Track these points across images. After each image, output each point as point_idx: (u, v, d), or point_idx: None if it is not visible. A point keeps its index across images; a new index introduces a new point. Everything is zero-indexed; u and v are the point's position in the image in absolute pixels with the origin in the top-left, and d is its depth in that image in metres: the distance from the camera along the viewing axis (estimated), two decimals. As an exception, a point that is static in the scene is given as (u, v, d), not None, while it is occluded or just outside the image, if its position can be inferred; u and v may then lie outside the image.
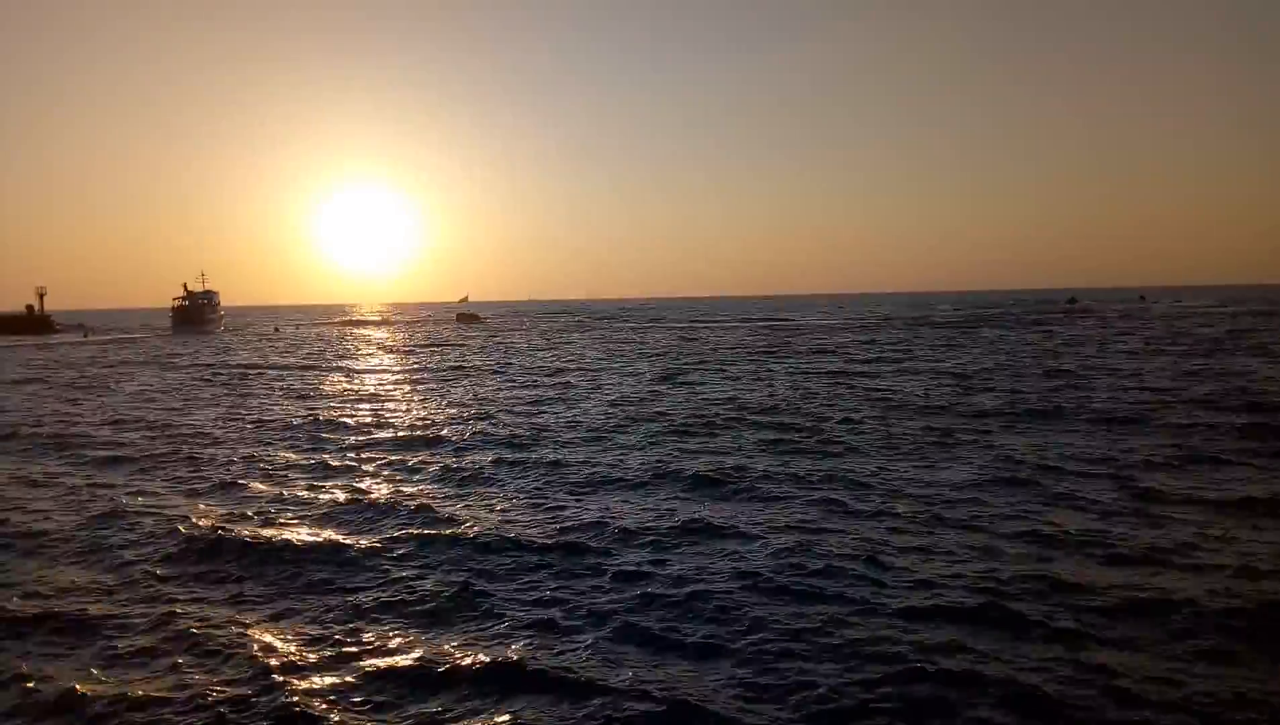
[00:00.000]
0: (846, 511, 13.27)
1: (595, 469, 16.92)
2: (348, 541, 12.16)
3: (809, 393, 28.90)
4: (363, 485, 16.01)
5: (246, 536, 12.36)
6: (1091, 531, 11.78)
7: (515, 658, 8.14)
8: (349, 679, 7.92)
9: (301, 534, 12.62)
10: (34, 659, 8.52)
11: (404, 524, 13.14)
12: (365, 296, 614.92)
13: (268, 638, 8.85)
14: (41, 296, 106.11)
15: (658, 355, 50.19)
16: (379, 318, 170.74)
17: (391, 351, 63.03)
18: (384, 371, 44.66)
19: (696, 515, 12.98)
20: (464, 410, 26.90)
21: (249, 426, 24.13)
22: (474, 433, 21.86)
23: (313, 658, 8.36)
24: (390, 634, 8.92)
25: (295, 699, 7.43)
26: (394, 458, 18.80)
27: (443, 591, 10.03)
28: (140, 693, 7.64)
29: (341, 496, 14.98)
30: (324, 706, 7.36)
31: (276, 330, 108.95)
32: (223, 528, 12.81)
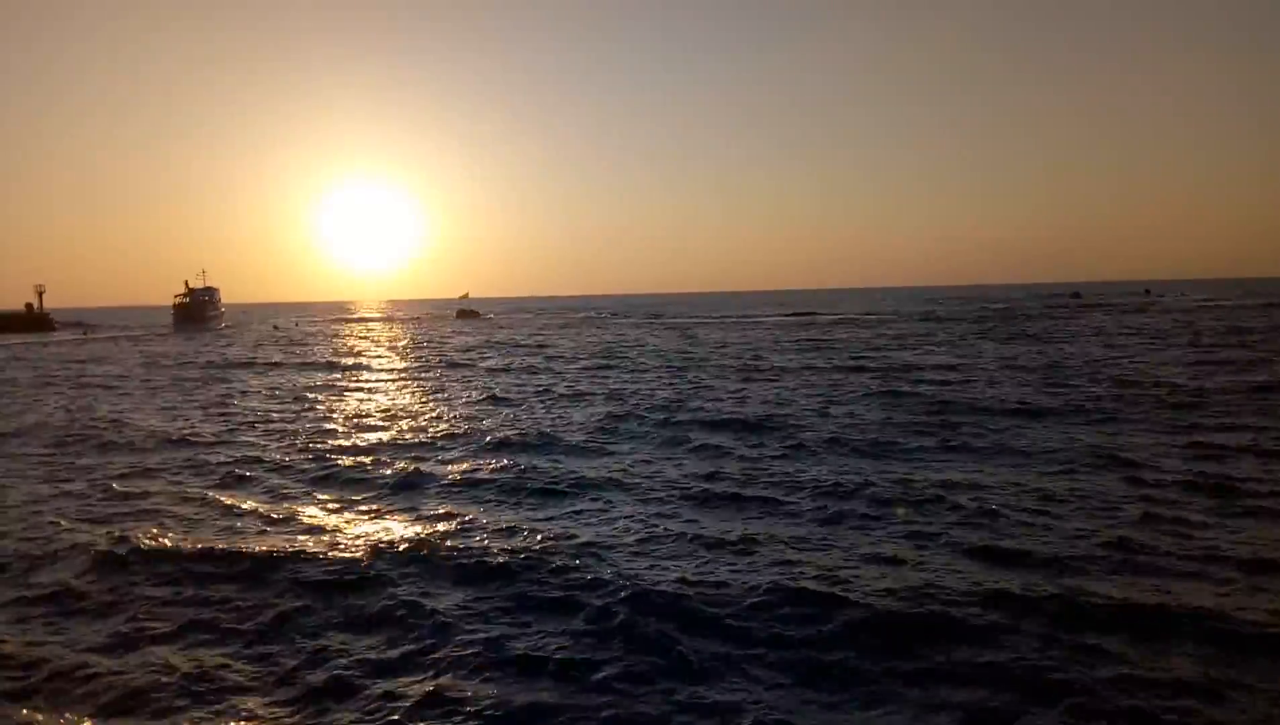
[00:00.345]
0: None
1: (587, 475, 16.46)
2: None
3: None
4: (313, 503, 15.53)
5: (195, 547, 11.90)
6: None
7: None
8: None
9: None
10: None
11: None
12: (366, 293, 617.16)
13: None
14: (40, 294, 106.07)
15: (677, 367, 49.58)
16: (379, 314, 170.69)
17: (388, 348, 62.65)
18: (378, 371, 44.22)
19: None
20: (457, 411, 26.46)
21: (208, 428, 23.68)
22: (465, 436, 21.41)
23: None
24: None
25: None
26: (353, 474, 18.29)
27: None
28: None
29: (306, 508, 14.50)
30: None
31: (276, 327, 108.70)
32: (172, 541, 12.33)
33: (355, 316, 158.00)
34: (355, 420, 24.98)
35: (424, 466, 17.37)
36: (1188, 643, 8.18)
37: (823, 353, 45.46)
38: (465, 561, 11.05)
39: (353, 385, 35.89)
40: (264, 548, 11.77)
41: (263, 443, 21.07)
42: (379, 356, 54.75)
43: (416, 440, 20.98)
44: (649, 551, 11.47)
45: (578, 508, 14.01)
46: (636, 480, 15.74)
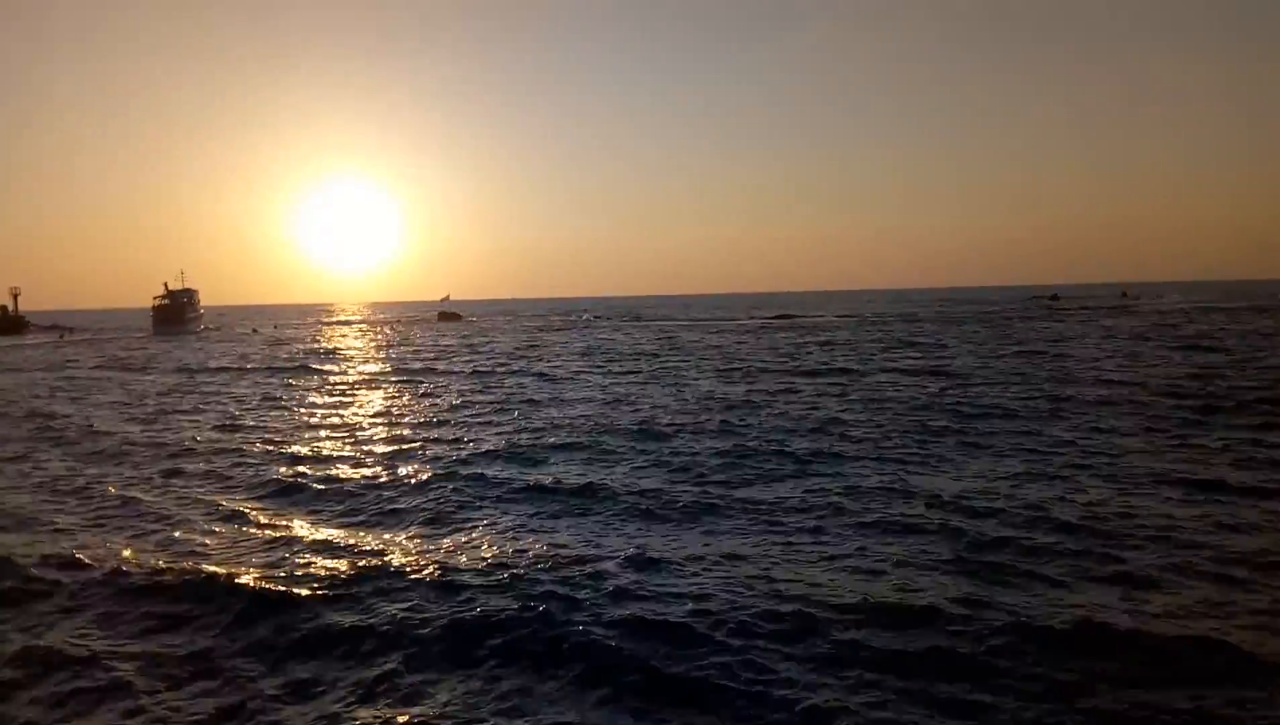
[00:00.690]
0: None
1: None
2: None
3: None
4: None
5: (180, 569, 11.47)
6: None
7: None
8: None
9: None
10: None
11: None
12: (345, 296, 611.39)
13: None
14: (15, 297, 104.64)
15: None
16: (358, 317, 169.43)
17: (365, 352, 62.04)
18: (357, 376, 43.67)
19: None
20: (436, 417, 26.06)
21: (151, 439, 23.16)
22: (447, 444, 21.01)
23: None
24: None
25: None
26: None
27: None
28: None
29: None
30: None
31: (255, 331, 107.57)
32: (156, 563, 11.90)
33: (336, 319, 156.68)
34: (334, 429, 24.51)
35: (410, 476, 16.98)
36: (1197, 668, 7.92)
37: (799, 357, 45.29)
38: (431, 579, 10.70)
39: (333, 393, 35.33)
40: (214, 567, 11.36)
41: (239, 449, 20.59)
42: (359, 361, 54.14)
43: (397, 449, 20.54)
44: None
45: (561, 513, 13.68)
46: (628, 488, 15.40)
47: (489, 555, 11.56)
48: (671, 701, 7.48)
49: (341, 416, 26.70)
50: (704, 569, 10.77)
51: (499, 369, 42.89)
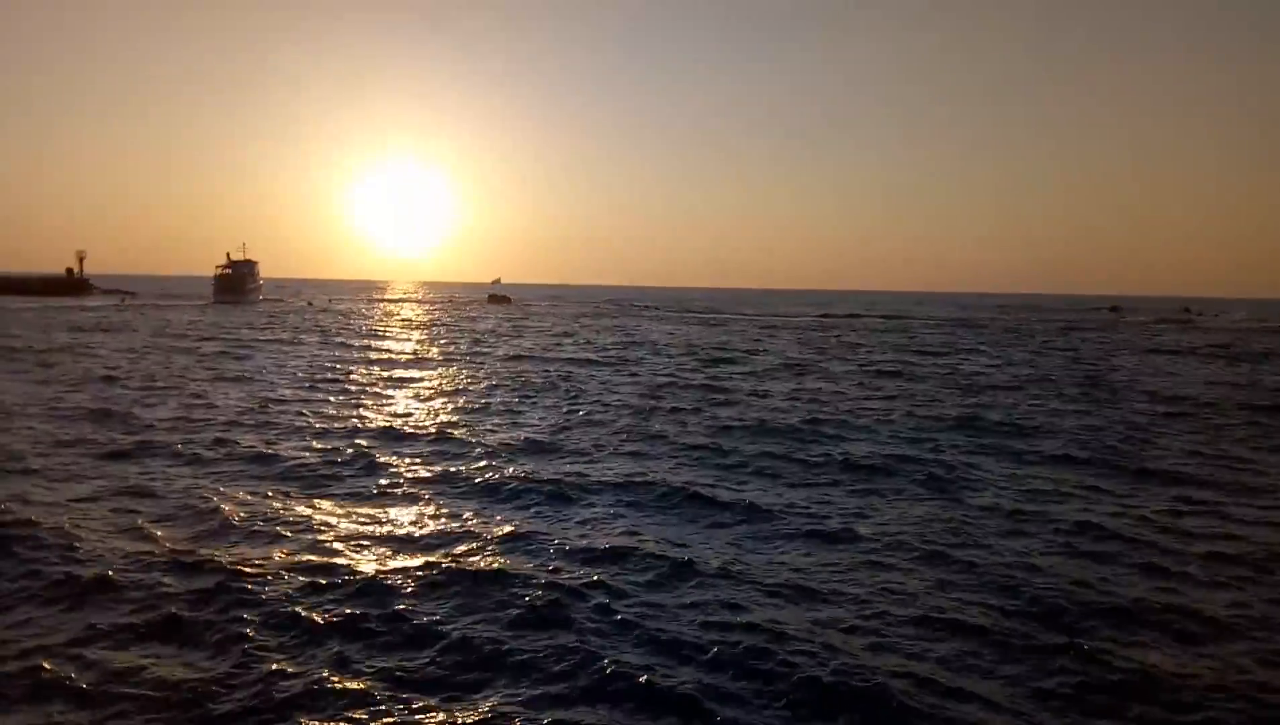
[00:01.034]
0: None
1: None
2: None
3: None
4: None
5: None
6: None
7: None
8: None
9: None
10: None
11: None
12: (398, 274, 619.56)
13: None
14: (81, 260, 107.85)
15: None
16: (410, 296, 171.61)
17: (419, 331, 62.61)
18: (405, 354, 43.98)
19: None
20: (480, 400, 26.00)
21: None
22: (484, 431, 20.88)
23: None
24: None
25: None
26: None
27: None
28: None
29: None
30: None
31: (310, 304, 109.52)
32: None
33: (387, 297, 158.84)
34: (385, 408, 24.56)
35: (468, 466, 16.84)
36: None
37: (870, 356, 44.38)
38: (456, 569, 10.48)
39: (383, 370, 35.55)
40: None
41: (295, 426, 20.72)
42: (411, 339, 54.61)
43: (446, 433, 20.44)
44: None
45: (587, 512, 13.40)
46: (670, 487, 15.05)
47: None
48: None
49: (391, 396, 26.79)
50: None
51: (560, 356, 42.84)
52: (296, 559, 10.61)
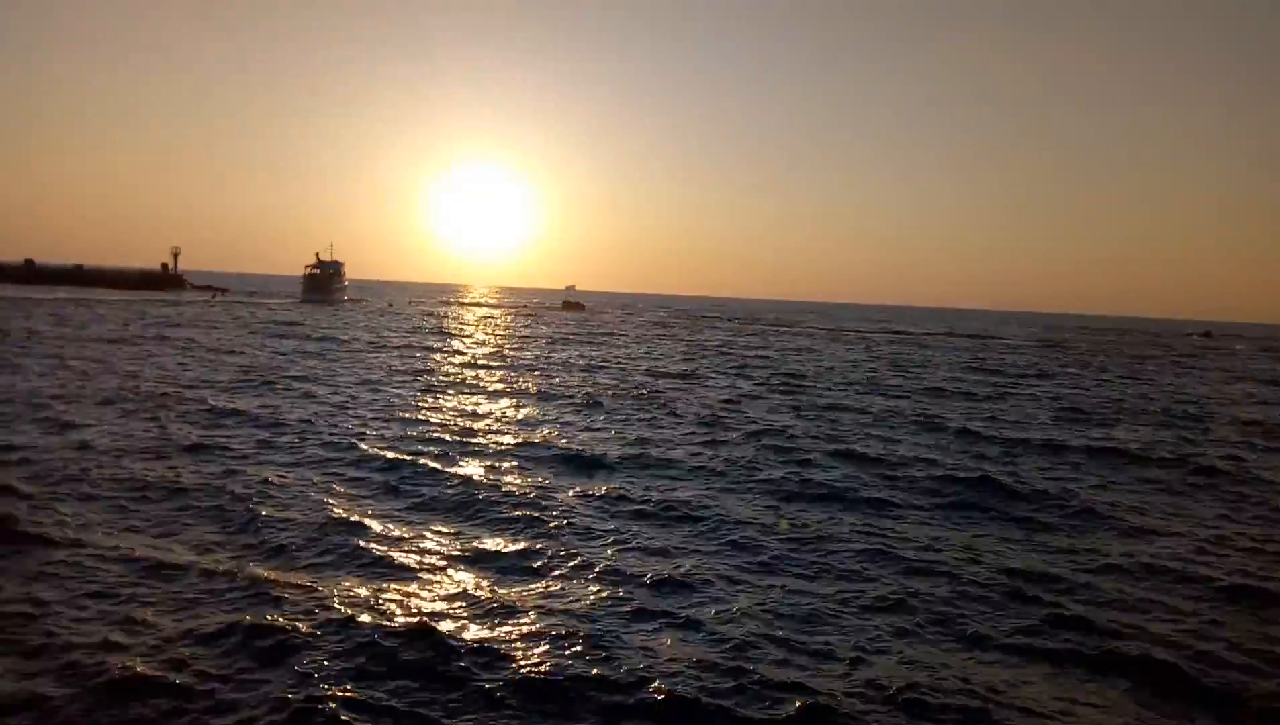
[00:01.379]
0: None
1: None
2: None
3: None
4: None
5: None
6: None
7: None
8: None
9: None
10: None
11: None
12: (475, 278, 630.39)
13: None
14: (175, 256, 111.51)
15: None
16: (487, 300, 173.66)
17: (495, 334, 62.51)
18: (480, 356, 43.55)
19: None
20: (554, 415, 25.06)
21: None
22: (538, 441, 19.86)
23: None
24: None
25: None
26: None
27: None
28: None
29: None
30: None
31: (390, 305, 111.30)
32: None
33: (465, 301, 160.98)
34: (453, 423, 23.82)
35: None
36: None
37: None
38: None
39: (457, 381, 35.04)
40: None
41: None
42: (484, 344, 54.38)
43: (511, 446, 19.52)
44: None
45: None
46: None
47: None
48: None
49: (462, 406, 26.09)
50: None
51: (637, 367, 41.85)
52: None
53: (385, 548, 11.14)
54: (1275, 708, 7.86)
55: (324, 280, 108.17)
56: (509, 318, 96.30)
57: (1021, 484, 16.61)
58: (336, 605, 9.01)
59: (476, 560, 10.90)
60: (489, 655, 8.06)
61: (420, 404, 24.58)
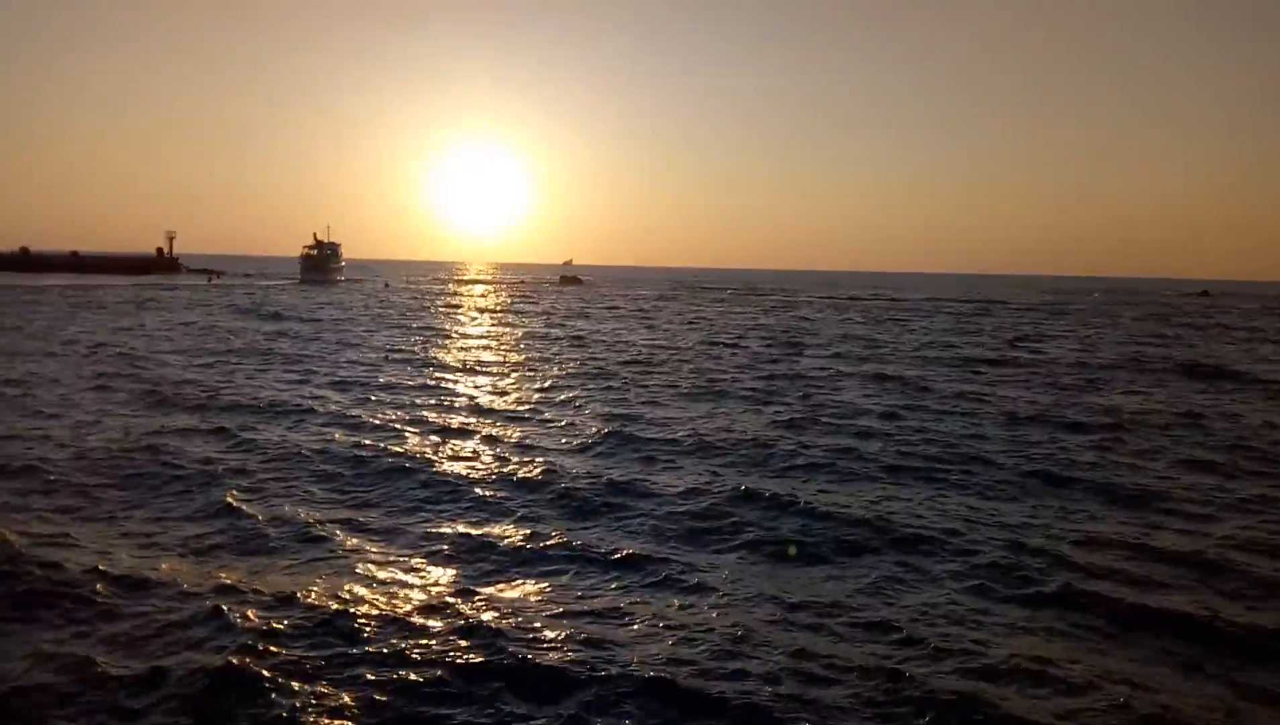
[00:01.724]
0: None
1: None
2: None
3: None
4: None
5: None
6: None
7: None
8: None
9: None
10: None
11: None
12: (471, 255, 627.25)
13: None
14: (171, 240, 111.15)
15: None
16: (484, 277, 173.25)
17: (492, 314, 62.33)
18: (479, 337, 43.42)
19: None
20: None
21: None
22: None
23: None
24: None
25: None
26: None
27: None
28: None
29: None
30: None
31: (386, 285, 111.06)
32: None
33: (462, 278, 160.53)
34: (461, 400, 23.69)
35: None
36: None
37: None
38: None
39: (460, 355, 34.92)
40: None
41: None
42: (489, 323, 54.22)
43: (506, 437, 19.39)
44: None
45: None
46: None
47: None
48: None
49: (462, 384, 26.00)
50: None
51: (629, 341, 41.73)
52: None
53: (365, 538, 11.05)
54: None
55: (322, 261, 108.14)
56: (504, 294, 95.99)
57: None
58: (314, 598, 8.92)
59: (465, 549, 10.64)
60: (482, 646, 7.84)
61: (412, 382, 24.47)
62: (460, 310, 63.44)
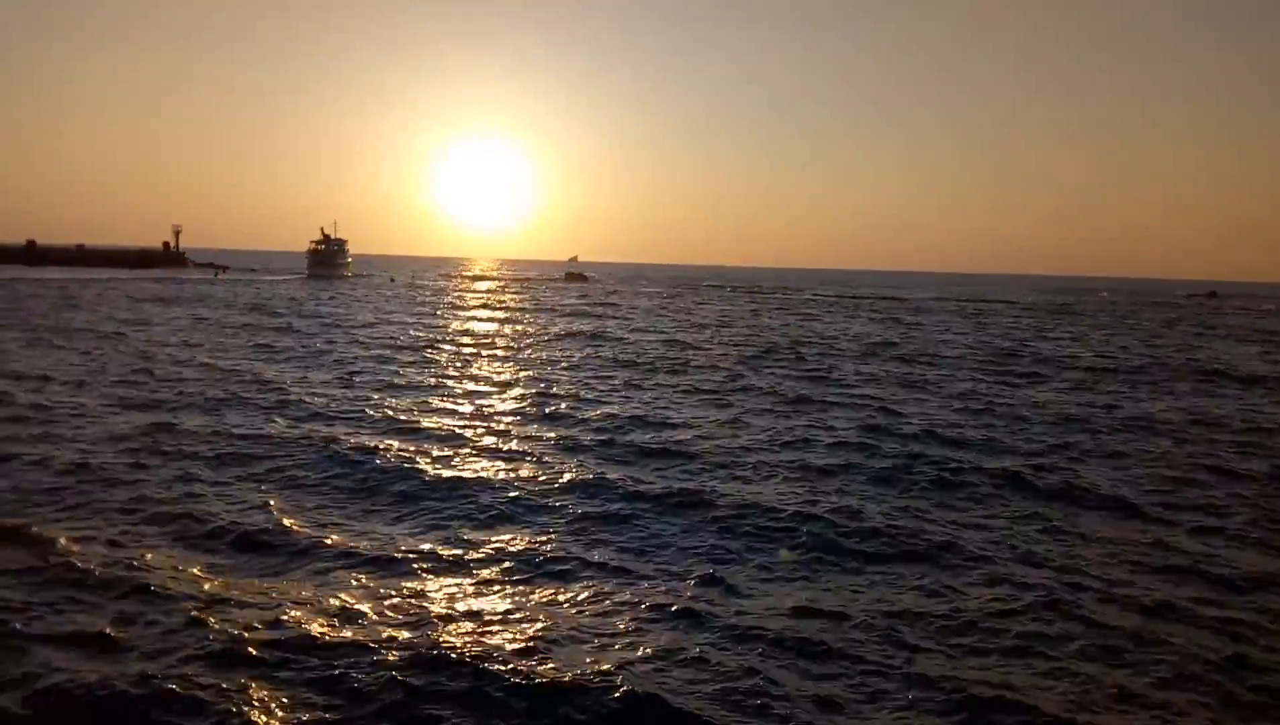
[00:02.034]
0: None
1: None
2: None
3: None
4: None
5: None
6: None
7: None
8: None
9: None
10: None
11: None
12: (477, 251, 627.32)
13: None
14: (177, 234, 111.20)
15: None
16: (490, 273, 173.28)
17: (497, 309, 62.29)
18: (483, 335, 43.38)
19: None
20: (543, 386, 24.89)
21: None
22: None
23: None
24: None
25: None
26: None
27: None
28: None
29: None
30: None
31: (392, 280, 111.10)
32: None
33: (467, 274, 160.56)
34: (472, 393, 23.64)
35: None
36: None
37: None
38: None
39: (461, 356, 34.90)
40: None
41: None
42: (493, 320, 54.15)
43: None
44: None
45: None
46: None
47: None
48: None
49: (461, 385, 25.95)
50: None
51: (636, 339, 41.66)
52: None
53: (367, 546, 10.92)
54: None
55: (328, 256, 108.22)
56: (509, 291, 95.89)
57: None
58: (303, 605, 8.88)
59: (466, 558, 10.46)
60: (478, 657, 7.68)
61: (415, 383, 24.43)
62: (465, 307, 63.38)
